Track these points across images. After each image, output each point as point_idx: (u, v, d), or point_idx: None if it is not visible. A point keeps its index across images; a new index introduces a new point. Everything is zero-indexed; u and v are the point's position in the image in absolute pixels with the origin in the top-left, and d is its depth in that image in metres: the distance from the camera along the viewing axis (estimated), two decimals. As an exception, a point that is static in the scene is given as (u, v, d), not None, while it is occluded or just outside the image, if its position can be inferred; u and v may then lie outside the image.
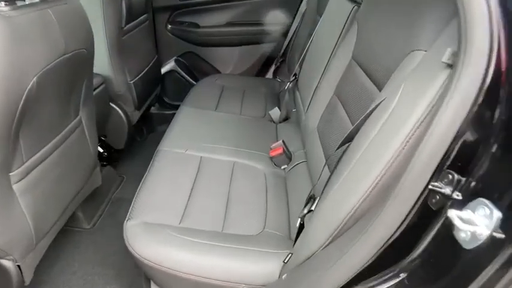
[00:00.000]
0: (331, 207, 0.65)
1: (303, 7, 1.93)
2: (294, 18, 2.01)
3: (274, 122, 1.63)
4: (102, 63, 1.47)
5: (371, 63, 0.88)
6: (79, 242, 1.44)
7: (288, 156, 1.31)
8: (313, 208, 0.74)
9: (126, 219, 0.99)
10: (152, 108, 2.23)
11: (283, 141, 1.34)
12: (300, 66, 1.52)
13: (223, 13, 2.07)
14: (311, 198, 0.77)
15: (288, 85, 1.55)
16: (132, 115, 1.70)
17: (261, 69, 2.21)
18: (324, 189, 0.73)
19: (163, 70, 2.19)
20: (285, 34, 2.06)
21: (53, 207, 1.13)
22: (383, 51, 0.81)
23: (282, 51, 2.04)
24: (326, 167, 0.90)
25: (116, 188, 1.73)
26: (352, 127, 0.74)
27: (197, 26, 2.09)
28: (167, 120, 2.36)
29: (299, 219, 0.79)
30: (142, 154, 1.95)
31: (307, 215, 0.77)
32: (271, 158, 1.31)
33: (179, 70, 2.21)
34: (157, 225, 0.95)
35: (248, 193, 1.13)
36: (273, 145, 1.34)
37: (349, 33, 1.11)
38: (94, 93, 1.46)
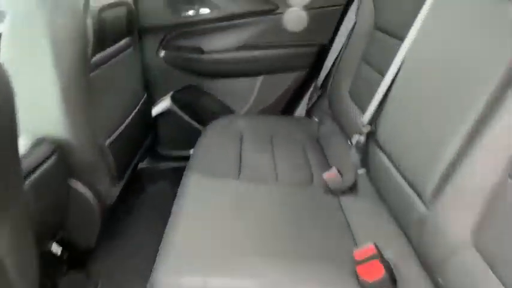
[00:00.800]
0: None
1: (348, 21, 1.39)
2: (334, 35, 1.48)
3: (332, 193, 1.05)
4: (52, 119, 0.87)
5: None
6: None
7: (390, 275, 0.71)
8: None
9: None
10: (140, 163, 1.64)
11: (375, 246, 0.75)
12: (379, 111, 0.95)
13: (234, 33, 1.52)
14: None
15: (358, 139, 0.98)
16: (108, 193, 1.07)
17: (287, 105, 1.65)
18: None
19: (155, 111, 1.62)
20: (321, 58, 1.52)
21: None
22: None
23: (321, 81, 1.48)
24: None
25: (85, 306, 1.11)
26: None
27: (200, 51, 1.53)
28: (162, 176, 1.81)
29: None
30: (128, 234, 1.34)
31: None
32: (363, 284, 0.71)
33: (177, 110, 1.64)
34: None
35: None
36: (360, 254, 0.75)
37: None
38: (41, 170, 0.86)
